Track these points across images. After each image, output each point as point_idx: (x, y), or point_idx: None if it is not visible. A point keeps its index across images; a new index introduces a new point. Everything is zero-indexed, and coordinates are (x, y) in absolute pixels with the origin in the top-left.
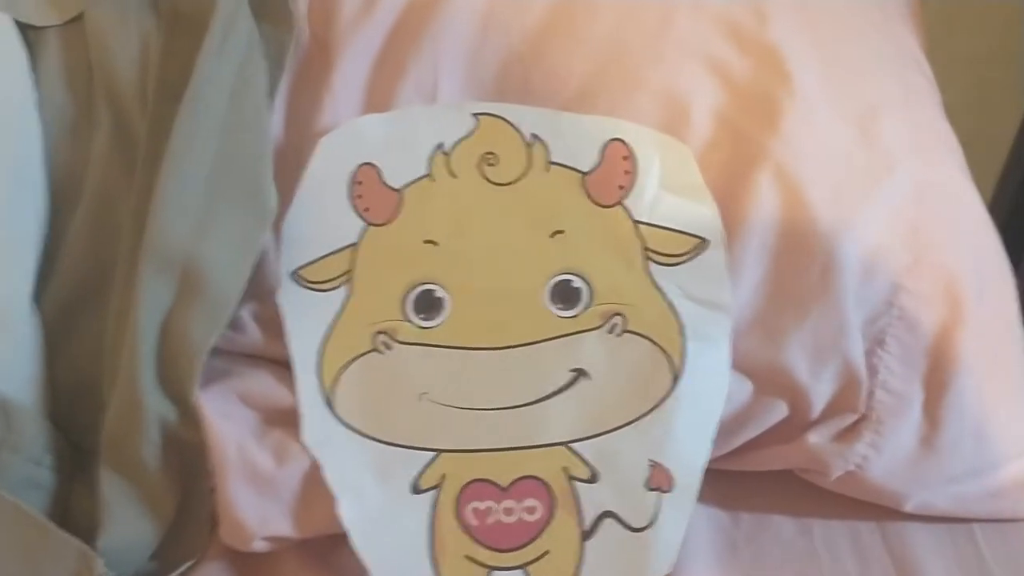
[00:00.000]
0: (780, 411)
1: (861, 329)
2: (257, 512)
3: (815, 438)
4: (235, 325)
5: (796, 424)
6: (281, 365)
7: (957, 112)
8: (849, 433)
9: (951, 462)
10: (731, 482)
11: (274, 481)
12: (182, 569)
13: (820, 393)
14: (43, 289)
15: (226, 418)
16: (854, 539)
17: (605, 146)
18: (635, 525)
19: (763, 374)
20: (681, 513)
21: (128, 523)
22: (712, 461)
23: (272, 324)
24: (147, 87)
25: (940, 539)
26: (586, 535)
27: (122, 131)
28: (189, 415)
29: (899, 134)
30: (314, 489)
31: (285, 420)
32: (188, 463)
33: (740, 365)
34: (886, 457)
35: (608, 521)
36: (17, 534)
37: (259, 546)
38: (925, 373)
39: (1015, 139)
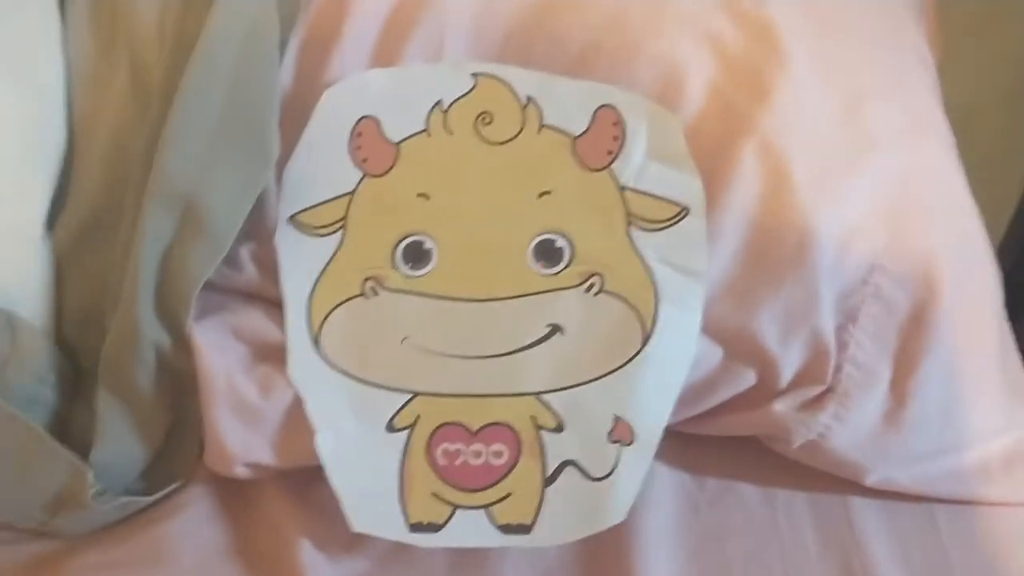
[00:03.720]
0: (748, 378)
1: (834, 303)
2: (241, 440)
3: (780, 406)
4: (233, 263)
5: (763, 392)
6: (274, 304)
7: (989, 112)
8: (814, 403)
9: (915, 440)
10: (699, 448)
11: (259, 412)
12: (169, 489)
13: (789, 363)
14: (56, 220)
15: (217, 350)
16: (816, 512)
17: (596, 112)
18: (595, 474)
19: (734, 341)
20: (639, 466)
21: (120, 441)
22: (680, 424)
23: (268, 264)
24: (165, 34)
25: (900, 518)
26: (548, 481)
27: (138, 74)
28: (183, 344)
29: (887, 117)
30: (296, 422)
31: (273, 356)
32: (180, 390)
33: (712, 331)
34: (849, 429)
35: (570, 469)
36: (16, 445)
37: (241, 472)
38: (896, 351)
39: None
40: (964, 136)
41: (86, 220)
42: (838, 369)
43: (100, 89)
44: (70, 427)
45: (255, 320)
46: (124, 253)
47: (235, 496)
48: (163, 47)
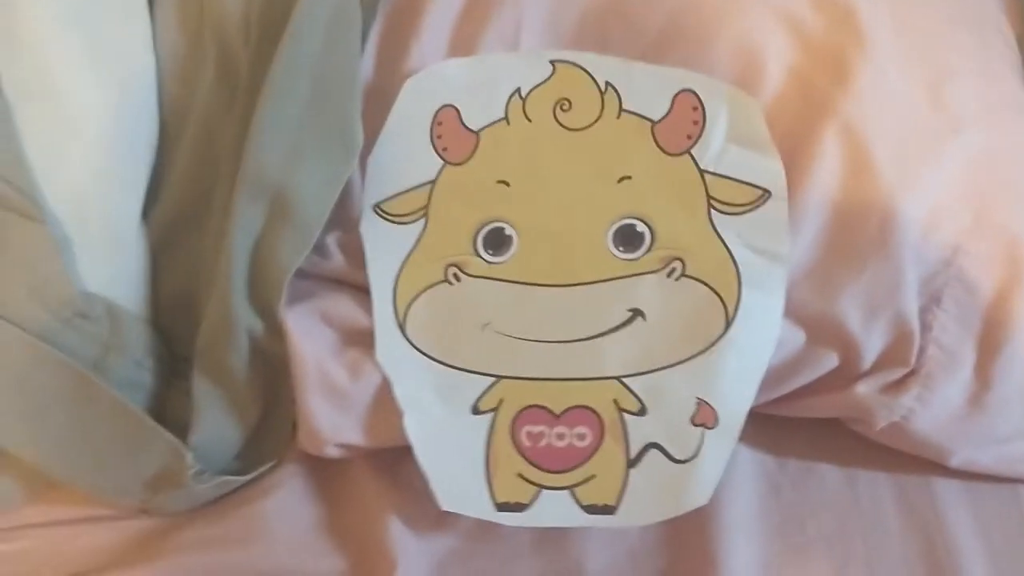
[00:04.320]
0: (831, 361)
1: (917, 286)
2: (331, 421)
3: (863, 389)
4: (321, 251)
5: (846, 375)
6: (361, 290)
7: None
8: (897, 386)
9: (999, 422)
10: (781, 429)
11: (348, 394)
12: (263, 469)
13: (871, 346)
14: (150, 210)
15: (308, 335)
16: (899, 493)
17: (675, 96)
18: (678, 457)
19: (816, 324)
20: (722, 450)
21: (216, 424)
22: (762, 406)
23: (354, 252)
24: (250, 26)
25: (983, 498)
26: (631, 463)
27: (226, 66)
28: (275, 330)
29: (970, 98)
30: (384, 404)
31: (361, 340)
32: (273, 374)
33: (794, 315)
34: (932, 411)
35: (653, 451)
36: (118, 427)
37: (332, 452)
38: (980, 333)
39: None
40: None
41: (179, 210)
42: (922, 351)
43: (189, 81)
44: (167, 410)
45: (343, 306)
46: (216, 242)
47: (326, 475)
48: (249, 38)
